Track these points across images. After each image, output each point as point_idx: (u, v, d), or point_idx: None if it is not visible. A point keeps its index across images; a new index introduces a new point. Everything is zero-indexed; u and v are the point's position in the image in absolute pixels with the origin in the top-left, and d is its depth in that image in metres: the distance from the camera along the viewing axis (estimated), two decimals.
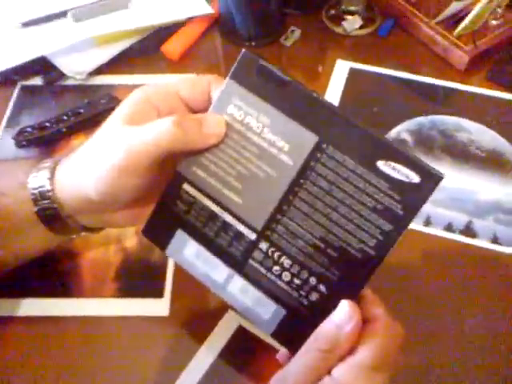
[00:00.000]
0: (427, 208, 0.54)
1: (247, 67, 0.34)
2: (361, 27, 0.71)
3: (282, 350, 0.36)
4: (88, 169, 0.37)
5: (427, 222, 0.54)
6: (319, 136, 0.33)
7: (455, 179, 0.57)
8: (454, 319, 0.48)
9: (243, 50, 0.34)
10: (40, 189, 0.39)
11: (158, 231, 0.38)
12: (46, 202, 0.39)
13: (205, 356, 0.45)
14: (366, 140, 0.32)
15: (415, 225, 0.53)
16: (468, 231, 0.53)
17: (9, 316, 0.48)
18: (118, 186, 0.36)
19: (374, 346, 0.31)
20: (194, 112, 0.39)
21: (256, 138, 0.34)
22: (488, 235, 0.53)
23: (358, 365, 0.31)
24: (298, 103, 0.33)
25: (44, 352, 0.46)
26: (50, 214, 0.40)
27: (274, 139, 0.34)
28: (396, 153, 0.31)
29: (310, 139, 0.33)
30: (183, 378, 0.44)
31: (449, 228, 0.53)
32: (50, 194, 0.39)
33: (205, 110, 0.37)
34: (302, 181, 0.33)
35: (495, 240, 0.52)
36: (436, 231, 0.53)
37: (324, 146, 0.33)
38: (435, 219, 0.54)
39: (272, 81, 0.34)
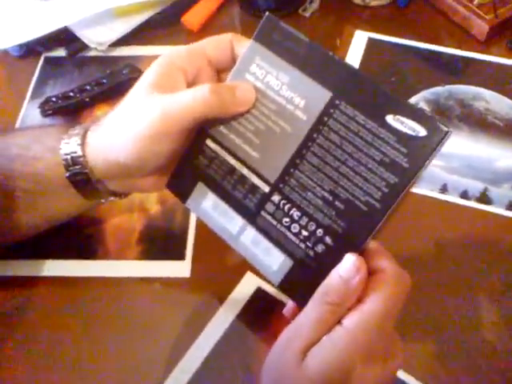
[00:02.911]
0: (443, 175, 0.55)
1: (270, 29, 0.36)
2: None
3: (288, 306, 0.38)
4: (120, 134, 0.38)
5: (443, 189, 0.54)
6: (333, 92, 0.34)
7: (472, 147, 0.57)
8: (469, 286, 0.49)
9: (267, 13, 0.36)
10: (72, 154, 0.40)
11: (181, 184, 0.40)
12: (77, 167, 0.41)
13: (224, 316, 0.47)
14: (377, 95, 0.33)
15: (431, 191, 0.54)
16: (483, 198, 0.54)
17: (35, 276, 0.50)
18: (150, 152, 0.38)
19: (383, 294, 0.32)
20: (219, 70, 0.40)
21: (275, 95, 0.36)
22: (504, 203, 0.53)
23: (367, 313, 0.32)
24: (314, 62, 0.35)
25: (68, 311, 0.48)
26: (81, 178, 0.41)
27: (292, 96, 0.35)
28: (404, 107, 0.32)
29: (324, 95, 0.34)
30: (202, 338, 0.46)
31: (464, 195, 0.54)
32: (82, 159, 0.40)
33: (228, 66, 0.39)
34: (315, 135, 0.35)
35: (511, 207, 0.53)
36: (452, 198, 0.54)
37: (337, 101, 0.34)
38: (451, 187, 0.54)
39: (292, 42, 0.35)
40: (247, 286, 0.49)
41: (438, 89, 0.62)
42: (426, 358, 0.45)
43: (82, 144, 0.41)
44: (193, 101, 0.36)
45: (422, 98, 0.61)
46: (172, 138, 0.37)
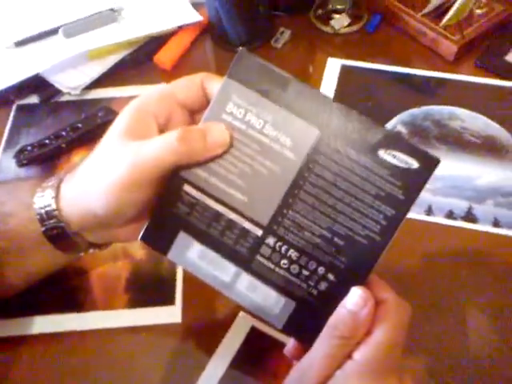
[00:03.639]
0: (428, 197, 0.55)
1: (244, 65, 0.35)
2: (349, 25, 0.72)
3: (289, 345, 0.37)
4: (93, 185, 0.37)
5: (429, 211, 0.54)
6: (321, 129, 0.34)
7: (452, 167, 0.58)
8: (460, 305, 0.49)
9: (240, 48, 0.35)
10: (46, 208, 0.39)
11: (159, 236, 0.37)
12: (52, 221, 0.39)
13: (221, 359, 0.46)
14: (367, 131, 0.33)
15: (417, 214, 0.54)
16: (469, 217, 0.54)
17: (22, 335, 0.48)
18: (124, 202, 0.36)
19: (389, 324, 0.32)
20: (192, 111, 0.39)
21: (258, 134, 0.35)
22: (489, 219, 0.54)
23: (377, 344, 0.32)
24: (298, 98, 0.34)
25: (59, 368, 0.46)
26: (57, 232, 0.40)
27: (277, 134, 0.34)
28: (396, 141, 0.33)
29: (311, 133, 0.34)
30: (201, 382, 0.45)
31: (450, 215, 0.54)
32: (56, 212, 0.39)
33: (201, 107, 0.38)
34: (306, 174, 0.34)
35: (496, 224, 0.53)
36: (438, 219, 0.54)
37: (326, 138, 0.34)
38: (436, 208, 0.55)
39: (271, 78, 0.34)
40: (241, 325, 0.48)
41: (414, 111, 0.63)
42: (419, 376, 0.45)
43: (56, 196, 0.39)
44: (161, 150, 0.34)
45: (400, 120, 0.62)
46: (144, 188, 0.36)
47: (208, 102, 0.37)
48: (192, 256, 0.36)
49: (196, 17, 0.71)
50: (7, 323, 0.48)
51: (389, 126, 0.62)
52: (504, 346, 0.47)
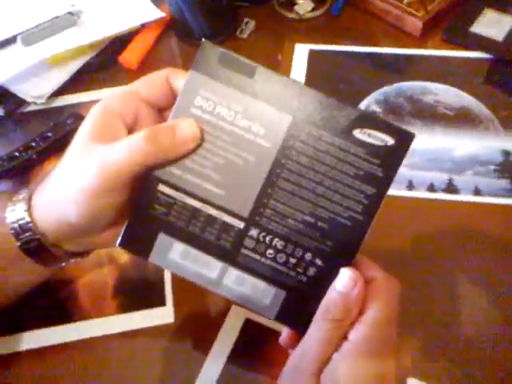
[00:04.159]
0: (408, 173, 0.55)
1: (209, 57, 0.34)
2: (313, 9, 0.72)
3: (283, 335, 0.36)
4: (63, 194, 0.36)
5: (410, 187, 0.55)
6: (293, 115, 0.33)
7: (429, 141, 0.58)
8: (451, 276, 0.49)
9: (203, 40, 0.34)
10: (19, 222, 0.38)
11: (137, 240, 0.36)
12: (27, 234, 0.38)
13: (218, 354, 0.45)
14: (340, 112, 0.33)
15: (399, 191, 0.54)
16: (450, 188, 0.54)
17: (12, 353, 0.46)
18: (97, 208, 0.35)
19: (380, 301, 0.32)
20: (160, 108, 0.38)
21: (229, 126, 0.34)
22: (470, 189, 0.54)
23: (371, 323, 0.32)
24: (266, 85, 0.33)
25: (55, 382, 0.45)
26: (34, 245, 0.38)
27: (249, 124, 0.34)
28: (369, 120, 0.33)
29: (284, 119, 0.33)
30: (201, 379, 0.44)
31: (431, 188, 0.54)
32: (31, 225, 0.38)
33: (169, 104, 0.37)
34: (282, 161, 0.34)
35: (477, 192, 0.54)
36: (419, 194, 0.54)
37: (299, 124, 0.33)
38: (417, 182, 0.55)
39: (237, 67, 0.34)
40: (235, 319, 0.47)
41: (386, 89, 0.63)
42: (412, 353, 0.45)
43: (29, 209, 0.38)
44: (129, 153, 0.33)
45: (373, 99, 0.62)
46: (117, 192, 0.35)
47: (175, 98, 0.36)
48: (174, 256, 0.35)
49: (158, 13, 0.70)
50: None
51: (362, 105, 0.62)
52: (495, 314, 0.47)
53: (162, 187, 0.35)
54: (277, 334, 0.45)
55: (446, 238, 0.52)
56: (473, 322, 0.47)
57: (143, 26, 0.70)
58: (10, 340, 0.47)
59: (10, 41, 0.66)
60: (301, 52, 0.68)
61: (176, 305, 0.48)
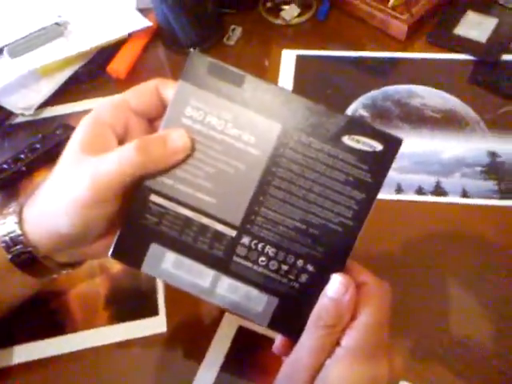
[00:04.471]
0: (396, 176, 0.56)
1: (198, 67, 0.34)
2: (299, 15, 0.72)
3: (277, 342, 0.36)
4: (55, 206, 0.36)
5: (399, 190, 0.55)
6: (282, 123, 0.34)
7: (416, 144, 0.58)
8: (442, 278, 0.50)
9: (191, 51, 0.35)
10: (10, 234, 0.38)
11: (129, 250, 0.36)
12: (19, 247, 0.38)
13: (211, 362, 0.45)
14: (328, 118, 0.33)
15: (388, 194, 0.55)
16: (438, 191, 0.55)
17: (3, 367, 0.46)
18: (88, 219, 0.35)
19: (372, 306, 0.32)
20: (150, 119, 0.38)
21: (220, 135, 0.34)
22: (458, 191, 0.55)
23: (363, 328, 0.32)
24: (255, 94, 0.34)
25: None
26: (26, 258, 0.38)
27: (239, 133, 0.34)
28: (358, 126, 0.33)
29: (273, 127, 0.34)
30: None
31: (420, 191, 0.55)
32: (22, 238, 0.38)
33: (159, 114, 0.37)
34: (273, 169, 0.34)
35: (465, 194, 0.54)
36: (408, 197, 0.55)
37: (289, 131, 0.34)
38: (405, 186, 0.55)
39: (226, 77, 0.34)
40: (228, 326, 0.47)
41: (373, 93, 0.64)
42: (404, 356, 0.45)
43: (20, 222, 0.38)
44: (119, 164, 0.33)
45: (360, 104, 0.63)
46: (109, 203, 0.35)
47: (165, 108, 0.36)
48: (167, 266, 0.36)
49: (145, 22, 0.70)
50: None
51: (350, 110, 0.62)
52: (486, 316, 0.47)
53: (153, 197, 0.35)
54: (270, 341, 0.45)
55: (435, 240, 0.52)
56: (464, 324, 0.47)
57: (130, 35, 0.71)
58: (0, 354, 0.47)
59: None
60: (288, 58, 0.69)
61: (169, 314, 0.48)
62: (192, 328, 0.48)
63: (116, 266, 0.51)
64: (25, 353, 0.47)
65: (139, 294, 0.50)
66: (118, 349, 0.47)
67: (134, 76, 0.68)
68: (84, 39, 0.68)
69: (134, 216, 0.35)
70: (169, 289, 0.50)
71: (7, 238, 0.38)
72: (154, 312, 0.48)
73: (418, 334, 0.47)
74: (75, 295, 0.50)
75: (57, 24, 0.69)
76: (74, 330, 0.48)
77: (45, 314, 0.49)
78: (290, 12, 0.72)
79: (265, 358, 0.45)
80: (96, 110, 0.37)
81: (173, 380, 0.45)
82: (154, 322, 0.48)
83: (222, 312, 0.48)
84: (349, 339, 0.32)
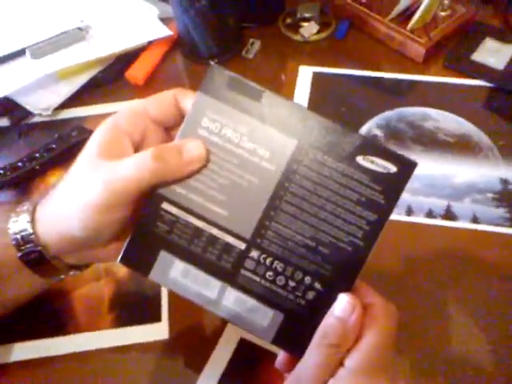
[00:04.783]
0: (407, 198, 0.56)
1: (217, 80, 0.35)
2: (318, 32, 0.73)
3: (280, 358, 0.36)
4: (68, 208, 0.36)
5: (409, 212, 0.55)
6: (298, 139, 0.34)
7: (429, 167, 0.59)
8: (447, 302, 0.50)
9: (212, 64, 0.35)
10: (22, 233, 0.38)
11: (139, 257, 0.36)
12: (29, 245, 0.38)
13: (211, 374, 0.45)
14: (344, 138, 0.33)
15: (398, 215, 0.55)
16: (448, 215, 0.55)
17: (3, 364, 0.46)
18: (101, 223, 0.36)
19: (378, 328, 0.32)
20: (167, 128, 0.39)
21: (235, 148, 0.34)
22: (468, 216, 0.55)
23: (368, 349, 0.32)
24: (272, 110, 0.34)
25: None
26: (35, 257, 0.38)
27: (254, 147, 0.34)
28: (373, 147, 0.33)
29: (289, 143, 0.34)
30: None
31: (430, 214, 0.55)
32: (33, 237, 0.38)
33: (176, 123, 0.38)
34: (286, 184, 0.34)
35: (475, 220, 0.54)
36: (418, 219, 0.55)
37: (304, 148, 0.34)
38: (416, 208, 0.55)
39: (244, 91, 0.34)
40: (230, 338, 0.47)
41: (388, 113, 0.64)
42: (405, 375, 0.45)
43: (32, 220, 0.38)
44: (135, 171, 0.34)
45: (374, 123, 0.63)
46: (122, 208, 0.35)
47: (182, 118, 0.36)
48: (175, 275, 0.36)
49: (165, 31, 0.71)
50: None
51: (364, 129, 0.62)
52: (488, 341, 0.47)
53: (165, 205, 0.35)
54: (271, 354, 0.45)
55: (443, 263, 0.52)
56: (466, 347, 0.47)
57: (150, 42, 0.72)
58: (2, 350, 0.47)
59: (19, 53, 0.67)
60: (305, 74, 0.69)
61: (171, 321, 0.48)
62: (194, 337, 0.48)
63: (122, 271, 0.52)
64: (26, 351, 0.47)
65: (143, 300, 0.50)
66: (119, 353, 0.47)
67: (152, 83, 0.69)
68: (105, 44, 0.69)
69: (146, 223, 0.36)
70: (173, 296, 0.49)
71: (18, 236, 0.38)
72: (156, 318, 0.48)
73: (419, 356, 0.46)
74: (80, 297, 0.50)
75: (79, 28, 0.70)
76: (77, 331, 0.48)
77: (48, 314, 0.49)
78: (309, 29, 0.73)
79: (265, 373, 0.45)
80: (115, 116, 0.37)
81: None
82: (156, 328, 0.48)
83: (224, 323, 0.48)
84: (352, 360, 0.32)
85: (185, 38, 0.70)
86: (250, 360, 0.46)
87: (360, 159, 0.33)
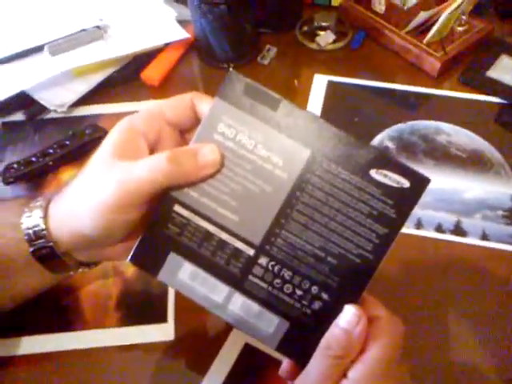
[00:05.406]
0: (417, 211, 0.56)
1: (235, 87, 0.35)
2: (334, 41, 0.73)
3: (283, 366, 0.36)
4: (82, 206, 0.36)
5: (418, 225, 0.55)
6: (312, 149, 0.34)
7: (440, 181, 0.59)
8: (453, 317, 0.49)
9: (230, 70, 0.35)
10: (34, 228, 0.38)
11: (148, 257, 0.36)
12: (41, 241, 0.38)
13: (214, 377, 0.45)
14: (358, 150, 0.33)
15: (407, 228, 0.55)
16: (458, 230, 0.55)
17: (10, 356, 0.47)
18: (113, 222, 0.36)
19: (383, 342, 0.32)
20: (182, 130, 0.39)
21: (249, 154, 0.35)
22: (477, 233, 0.54)
23: (372, 362, 0.32)
24: (288, 119, 0.34)
25: None
26: (46, 252, 0.39)
27: (268, 155, 0.34)
28: (387, 161, 0.33)
29: (303, 153, 0.34)
30: None
31: (439, 229, 0.55)
32: (45, 232, 0.38)
33: (192, 126, 0.38)
34: (298, 193, 0.34)
35: (485, 237, 0.54)
36: (427, 233, 0.55)
37: (317, 158, 0.34)
38: (425, 221, 0.55)
39: (261, 99, 0.35)
40: (234, 342, 0.47)
41: (401, 126, 0.64)
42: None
43: (45, 216, 0.39)
44: (150, 173, 0.34)
45: (387, 135, 0.63)
46: (134, 208, 0.35)
47: (198, 121, 0.37)
48: (183, 277, 0.36)
49: (183, 34, 0.72)
50: None
51: (376, 141, 0.63)
52: (495, 359, 0.47)
53: (177, 208, 0.36)
54: (275, 361, 0.45)
55: (450, 278, 0.52)
56: (473, 363, 0.47)
57: (167, 44, 0.72)
58: (9, 343, 0.47)
59: (38, 49, 0.68)
60: (319, 82, 0.69)
61: (177, 323, 0.48)
62: (198, 340, 0.48)
63: (130, 270, 0.52)
64: (34, 344, 0.47)
65: (150, 300, 0.50)
66: (124, 351, 0.47)
67: (167, 85, 0.69)
68: (122, 44, 0.70)
69: (157, 224, 0.36)
70: (179, 297, 0.50)
71: (31, 232, 0.38)
72: (163, 319, 0.49)
73: (426, 370, 0.46)
74: (88, 294, 0.50)
75: (97, 27, 0.71)
76: (83, 327, 0.48)
77: (56, 309, 0.49)
78: (326, 38, 0.73)
79: (268, 379, 0.45)
80: (132, 116, 0.38)
81: None
82: (162, 329, 0.48)
83: (229, 327, 0.48)
84: (356, 372, 0.32)
85: (201, 42, 0.71)
86: (254, 365, 0.46)
87: (373, 172, 0.33)
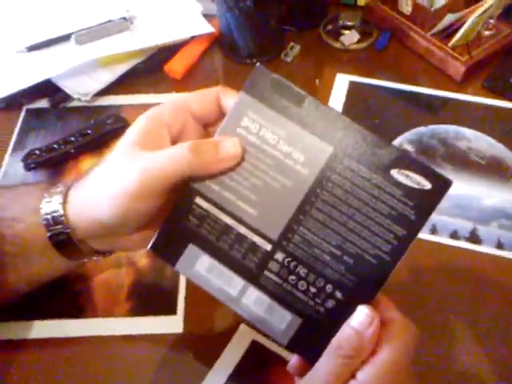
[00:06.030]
0: (433, 216, 0.54)
1: (261, 81, 0.35)
2: (358, 41, 0.73)
3: (292, 361, 0.36)
4: (101, 194, 0.37)
5: (433, 231, 0.55)
6: (334, 147, 0.34)
7: (457, 187, 0.58)
8: (463, 326, 0.49)
9: (257, 65, 0.35)
10: (53, 214, 0.39)
11: (168, 247, 0.37)
12: (58, 227, 0.39)
13: (220, 371, 0.46)
14: (380, 149, 0.33)
15: (421, 234, 0.54)
16: (473, 238, 0.54)
17: (21, 339, 0.48)
18: (132, 211, 0.36)
19: (395, 345, 0.32)
20: (206, 124, 0.39)
21: (271, 149, 0.35)
22: (493, 241, 0.54)
23: (382, 365, 0.31)
24: (312, 115, 0.34)
25: (57, 374, 0.46)
26: (63, 238, 0.40)
27: (291, 150, 0.35)
28: (409, 161, 0.33)
29: (325, 150, 0.34)
30: None
31: (454, 235, 0.54)
32: (63, 218, 0.39)
33: (215, 120, 0.39)
34: (318, 190, 0.34)
35: (500, 246, 0.53)
36: (442, 239, 0.54)
37: (339, 156, 0.34)
38: (440, 227, 0.55)
39: (287, 95, 0.35)
40: (242, 338, 0.47)
41: (421, 129, 0.63)
42: None
43: (64, 203, 0.39)
44: (172, 161, 0.35)
45: (406, 138, 0.62)
46: (153, 198, 0.36)
47: (222, 115, 0.37)
48: (200, 268, 0.36)
49: (208, 28, 0.72)
50: (5, 326, 0.48)
51: (395, 143, 0.62)
52: (504, 366, 0.46)
53: (198, 200, 0.36)
54: (281, 359, 0.46)
55: (462, 286, 0.51)
56: (482, 374, 0.46)
57: (192, 38, 0.72)
58: (21, 326, 0.48)
59: (64, 38, 0.69)
60: (341, 82, 0.69)
61: (186, 315, 0.49)
62: (206, 333, 0.49)
63: (143, 261, 0.53)
64: (45, 329, 0.48)
65: (161, 292, 0.51)
66: (131, 341, 0.48)
67: (190, 78, 0.70)
68: (148, 36, 0.70)
69: (178, 215, 0.37)
70: (190, 291, 0.50)
71: (49, 217, 0.39)
72: (172, 311, 0.49)
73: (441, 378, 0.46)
74: (100, 282, 0.51)
75: (124, 18, 0.71)
76: (93, 315, 0.49)
77: (69, 296, 0.50)
78: (350, 38, 0.72)
79: (274, 376, 0.46)
80: (158, 108, 0.38)
81: (180, 380, 0.46)
82: (171, 320, 0.49)
83: (238, 322, 0.48)
84: (365, 374, 0.32)
85: (225, 36, 0.71)
86: (260, 362, 0.46)
87: (395, 172, 0.33)
